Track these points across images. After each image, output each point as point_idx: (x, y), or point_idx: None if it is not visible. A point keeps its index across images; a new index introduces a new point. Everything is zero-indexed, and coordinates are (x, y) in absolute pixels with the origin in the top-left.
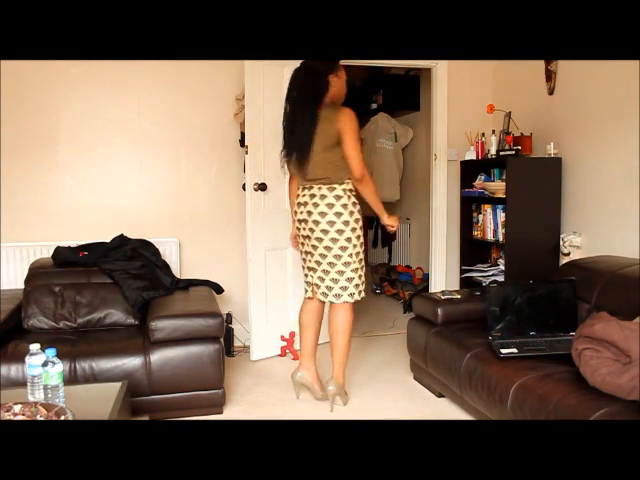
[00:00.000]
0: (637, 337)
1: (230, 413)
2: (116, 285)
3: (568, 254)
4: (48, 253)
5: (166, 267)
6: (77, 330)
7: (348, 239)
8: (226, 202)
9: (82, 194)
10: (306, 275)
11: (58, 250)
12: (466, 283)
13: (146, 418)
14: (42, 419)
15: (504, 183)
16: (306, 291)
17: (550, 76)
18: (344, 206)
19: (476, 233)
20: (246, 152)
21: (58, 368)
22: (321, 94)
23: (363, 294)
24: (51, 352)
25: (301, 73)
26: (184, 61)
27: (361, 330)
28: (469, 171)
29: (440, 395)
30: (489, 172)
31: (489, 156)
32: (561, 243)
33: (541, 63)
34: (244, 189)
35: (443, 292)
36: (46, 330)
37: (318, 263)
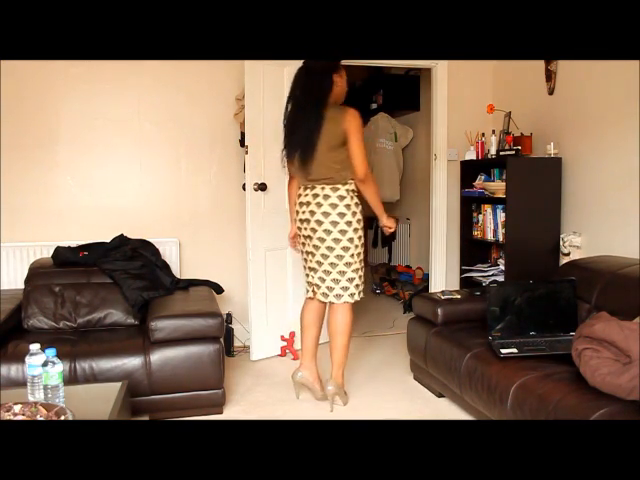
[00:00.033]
0: (637, 337)
1: (230, 413)
2: (116, 285)
3: (568, 254)
4: (48, 253)
5: (166, 267)
6: (77, 330)
7: (350, 239)
8: (226, 202)
9: (82, 194)
10: (307, 275)
11: (58, 250)
12: (466, 283)
13: (146, 418)
14: (42, 419)
15: (504, 183)
16: (307, 291)
17: (550, 76)
18: (347, 206)
19: (476, 233)
20: (246, 152)
21: (58, 368)
22: (326, 93)
23: (362, 294)
24: (51, 352)
25: (305, 72)
26: (184, 61)
27: (361, 330)
28: (469, 171)
29: (440, 395)
30: (489, 172)
31: (489, 156)
32: (561, 243)
33: (541, 63)
34: (244, 189)
35: (443, 292)
36: (46, 330)
37: (319, 263)
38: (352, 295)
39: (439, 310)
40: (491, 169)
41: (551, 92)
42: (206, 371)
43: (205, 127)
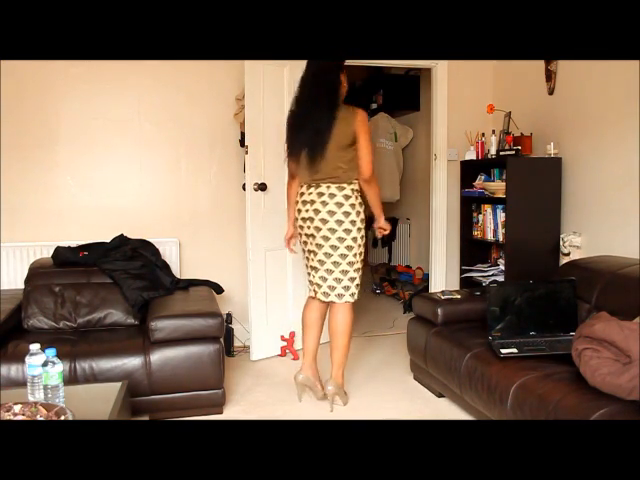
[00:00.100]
0: (637, 337)
1: (230, 413)
2: (116, 285)
3: (568, 254)
4: (48, 253)
5: (166, 267)
6: (77, 330)
7: (354, 239)
8: (226, 202)
9: (82, 194)
10: (309, 274)
11: (58, 250)
12: (466, 283)
13: (146, 418)
14: (42, 419)
15: (504, 183)
16: (310, 290)
17: (550, 76)
18: (352, 206)
19: (476, 233)
20: (246, 152)
21: (58, 368)
22: (338, 94)
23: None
24: (51, 352)
25: (316, 72)
26: (184, 61)
27: (361, 330)
28: (469, 171)
29: (440, 395)
30: (489, 172)
31: (489, 156)
32: (561, 243)
33: (541, 63)
34: (244, 189)
35: (443, 292)
36: (46, 330)
37: (321, 262)
38: (353, 295)
39: (439, 310)
40: (491, 169)
41: (551, 92)
42: (206, 371)
43: (205, 127)
